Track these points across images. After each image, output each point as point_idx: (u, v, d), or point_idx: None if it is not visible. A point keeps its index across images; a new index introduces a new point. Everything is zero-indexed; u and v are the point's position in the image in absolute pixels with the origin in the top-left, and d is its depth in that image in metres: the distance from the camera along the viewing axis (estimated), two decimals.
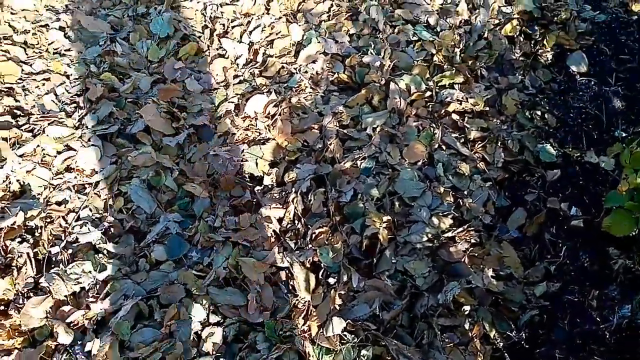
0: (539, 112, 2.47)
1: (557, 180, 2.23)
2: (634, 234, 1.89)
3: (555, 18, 2.88)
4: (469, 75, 2.58)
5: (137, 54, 2.87)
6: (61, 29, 3.08)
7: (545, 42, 2.78)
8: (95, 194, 2.27)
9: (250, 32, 2.88)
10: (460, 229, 2.04)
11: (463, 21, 2.86)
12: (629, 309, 1.81)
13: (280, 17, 2.97)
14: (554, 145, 2.32)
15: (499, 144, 2.32)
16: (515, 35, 2.82)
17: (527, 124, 2.43)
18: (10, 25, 3.12)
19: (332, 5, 2.99)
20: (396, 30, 2.80)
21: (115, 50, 2.87)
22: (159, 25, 2.95)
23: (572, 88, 2.60)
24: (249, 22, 2.93)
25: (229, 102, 2.57)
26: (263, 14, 3.00)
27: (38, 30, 3.06)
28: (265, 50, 2.79)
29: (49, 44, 3.00)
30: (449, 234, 2.04)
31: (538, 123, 2.44)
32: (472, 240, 2.03)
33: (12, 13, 3.24)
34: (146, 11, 3.13)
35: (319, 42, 2.75)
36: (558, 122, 2.46)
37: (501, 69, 2.70)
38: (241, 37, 2.88)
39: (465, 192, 2.19)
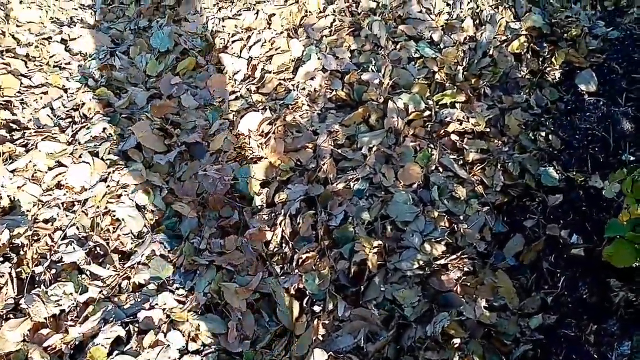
0: (543, 133, 2.38)
1: (558, 205, 2.13)
2: (636, 265, 1.79)
3: (566, 34, 2.79)
4: (471, 94, 2.51)
5: (136, 68, 2.87)
6: (63, 41, 3.09)
7: (553, 59, 2.69)
8: (82, 212, 2.24)
9: (250, 47, 2.85)
10: (454, 256, 1.96)
11: (468, 37, 2.79)
12: (629, 346, 1.70)
13: (281, 32, 2.94)
14: (557, 168, 2.23)
15: (498, 167, 2.23)
16: (522, 53, 2.74)
17: (530, 145, 2.34)
18: (14, 38, 3.15)
19: (334, 20, 2.95)
20: (398, 46, 2.75)
21: (114, 64, 2.87)
22: (159, 39, 2.94)
23: (579, 108, 2.50)
24: (249, 37, 2.90)
25: (223, 118, 2.54)
26: (264, 28, 2.98)
27: (40, 43, 3.08)
28: (264, 66, 2.76)
29: (50, 57, 3.02)
30: (442, 261, 1.96)
31: (541, 145, 2.34)
32: (466, 269, 1.95)
33: (17, 25, 3.27)
34: (148, 24, 3.14)
35: (318, 58, 2.71)
36: (562, 144, 2.36)
37: (505, 87, 2.62)
38: (240, 52, 2.85)
39: (461, 217, 2.10)
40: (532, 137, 2.38)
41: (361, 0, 3.00)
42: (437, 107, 2.47)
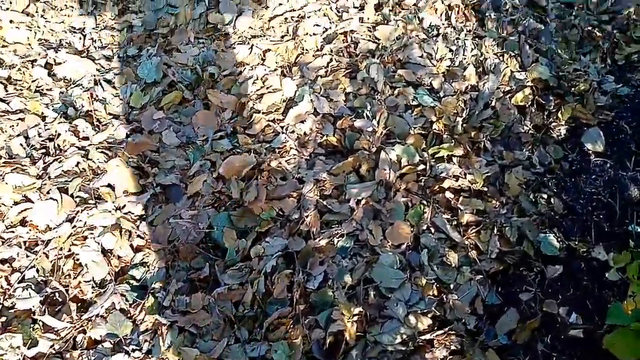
0: (544, 196, 2.24)
1: (557, 278, 1.97)
2: None
3: (573, 89, 2.66)
4: (469, 148, 2.37)
5: (119, 99, 2.73)
6: (48, 65, 2.97)
7: (559, 114, 2.56)
8: (44, 253, 2.09)
9: (241, 84, 2.72)
10: (441, 331, 1.80)
11: (470, 87, 2.65)
12: None
13: (275, 69, 2.82)
14: (558, 236, 2.07)
15: (495, 231, 2.08)
16: (526, 105, 2.61)
17: (530, 208, 2.19)
18: None
19: (331, 59, 2.82)
20: (396, 92, 2.61)
21: (97, 93, 2.73)
22: (147, 69, 2.82)
23: (584, 169, 2.36)
24: (240, 73, 2.77)
25: (205, 159, 2.40)
26: (258, 64, 2.85)
27: (24, 66, 2.95)
28: (253, 105, 2.62)
29: (32, 82, 2.89)
30: (427, 337, 1.79)
31: (542, 209, 2.19)
32: (453, 347, 1.78)
33: (3, 46, 3.16)
34: (137, 53, 3.01)
35: (311, 100, 2.57)
36: (565, 208, 2.21)
37: (507, 142, 2.48)
38: (230, 88, 2.72)
39: (451, 286, 1.94)
40: (533, 199, 2.23)
41: (360, 40, 2.88)
42: (433, 160, 2.32)
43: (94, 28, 3.25)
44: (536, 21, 2.97)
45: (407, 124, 2.47)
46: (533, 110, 2.59)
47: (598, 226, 2.12)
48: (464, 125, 2.47)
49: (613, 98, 2.64)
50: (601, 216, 2.16)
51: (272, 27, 3.08)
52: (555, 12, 3.10)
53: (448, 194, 2.21)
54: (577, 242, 2.05)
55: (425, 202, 2.17)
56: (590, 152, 2.42)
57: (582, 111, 2.57)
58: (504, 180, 2.30)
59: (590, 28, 2.98)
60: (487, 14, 3.04)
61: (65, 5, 3.46)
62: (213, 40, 3.06)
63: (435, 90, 2.65)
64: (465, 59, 2.78)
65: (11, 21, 3.31)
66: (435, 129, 2.46)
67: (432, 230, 2.10)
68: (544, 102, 2.62)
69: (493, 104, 2.57)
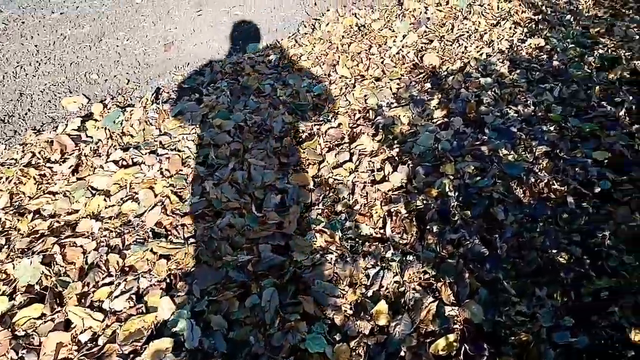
0: None
1: None
2: None
3: (513, 338, 2.14)
4: None
5: None
6: None
7: None
8: None
9: (116, 297, 2.37)
10: None
11: (377, 328, 2.19)
12: None
13: (163, 280, 2.46)
14: None
15: None
16: (451, 356, 2.10)
17: None
18: None
19: (227, 273, 2.45)
20: (286, 326, 2.18)
21: None
22: (24, 269, 2.53)
23: None
24: (119, 284, 2.43)
25: None
26: (147, 272, 2.51)
27: None
28: (115, 330, 2.23)
29: None
30: None
31: None
32: None
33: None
34: (27, 245, 2.73)
35: (184, 326, 2.17)
36: None
37: None
38: (104, 301, 2.37)
39: None
40: None
41: (267, 252, 2.52)
42: None
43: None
44: (482, 242, 2.53)
45: None
46: None
47: None
48: None
49: (567, 354, 2.10)
50: None
51: (185, 224, 2.79)
52: (515, 228, 2.65)
53: None
54: None
55: None
56: None
57: None
58: None
59: (554, 251, 2.51)
60: (428, 226, 2.64)
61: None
62: (118, 234, 2.76)
63: (336, 327, 2.20)
64: (383, 287, 2.34)
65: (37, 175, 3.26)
66: None
67: None
68: (473, 353, 2.10)
69: (403, 352, 2.09)
